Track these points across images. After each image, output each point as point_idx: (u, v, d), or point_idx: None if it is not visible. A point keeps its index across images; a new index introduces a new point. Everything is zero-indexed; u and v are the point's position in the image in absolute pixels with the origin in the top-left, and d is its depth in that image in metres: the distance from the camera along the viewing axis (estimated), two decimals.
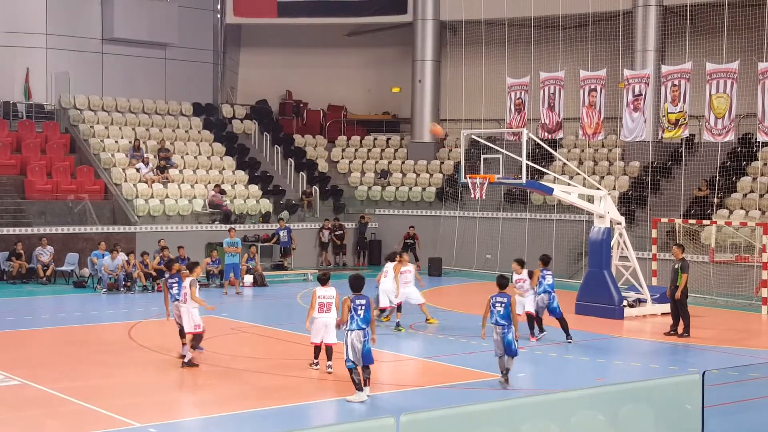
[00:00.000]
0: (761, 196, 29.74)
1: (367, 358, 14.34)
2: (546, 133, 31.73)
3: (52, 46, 36.30)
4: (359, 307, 14.35)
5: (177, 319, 17.10)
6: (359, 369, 14.35)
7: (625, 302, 23.09)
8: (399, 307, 21.13)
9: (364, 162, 39.01)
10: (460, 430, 8.48)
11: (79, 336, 20.51)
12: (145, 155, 34.04)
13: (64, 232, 29.77)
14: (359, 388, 14.25)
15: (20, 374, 15.89)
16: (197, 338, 16.72)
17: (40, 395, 14.73)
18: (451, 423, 8.47)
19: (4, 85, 35.39)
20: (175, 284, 17.43)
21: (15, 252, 28.38)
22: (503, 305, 15.16)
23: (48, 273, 28.37)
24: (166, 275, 18.36)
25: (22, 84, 35.82)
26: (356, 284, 14.62)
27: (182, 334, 16.92)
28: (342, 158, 39.53)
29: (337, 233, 34.44)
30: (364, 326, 14.33)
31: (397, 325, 20.85)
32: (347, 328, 14.40)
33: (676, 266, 20.83)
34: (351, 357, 14.33)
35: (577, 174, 29.59)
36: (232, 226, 30.43)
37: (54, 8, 36.42)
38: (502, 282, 15.66)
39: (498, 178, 23.08)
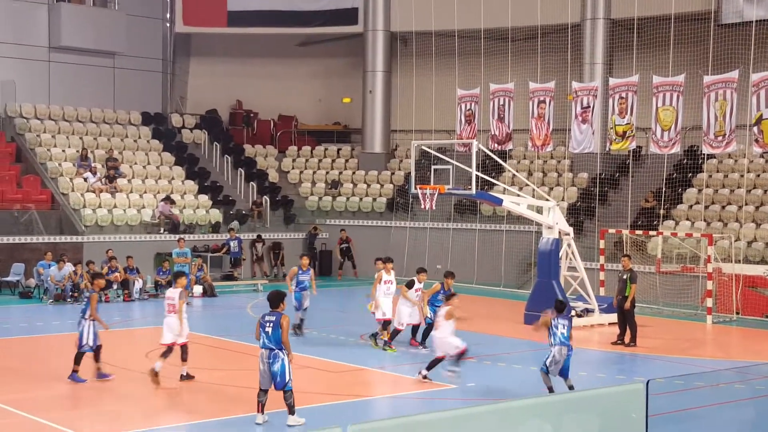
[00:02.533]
0: (706, 207, 30.21)
1: (276, 382, 13.24)
2: (496, 145, 31.96)
3: None
4: (267, 324, 13.37)
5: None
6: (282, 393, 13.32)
7: (573, 312, 23.28)
8: (385, 325, 19.99)
9: (314, 172, 38.95)
10: None
11: (25, 347, 20.20)
12: (93, 165, 33.64)
13: (10, 242, 29.31)
14: (291, 412, 13.37)
15: None
16: (80, 356, 16.00)
17: None
18: None
19: None
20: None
21: None
22: (566, 327, 15.38)
23: None
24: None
25: None
26: (272, 300, 13.69)
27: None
28: (292, 168, 39.43)
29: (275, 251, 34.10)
30: (271, 346, 13.26)
31: (386, 343, 19.88)
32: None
33: (625, 276, 21.09)
34: (260, 378, 13.45)
35: (527, 185, 29.75)
36: (181, 236, 30.17)
37: None
38: (560, 306, 15.88)
39: (448, 189, 23.19)
